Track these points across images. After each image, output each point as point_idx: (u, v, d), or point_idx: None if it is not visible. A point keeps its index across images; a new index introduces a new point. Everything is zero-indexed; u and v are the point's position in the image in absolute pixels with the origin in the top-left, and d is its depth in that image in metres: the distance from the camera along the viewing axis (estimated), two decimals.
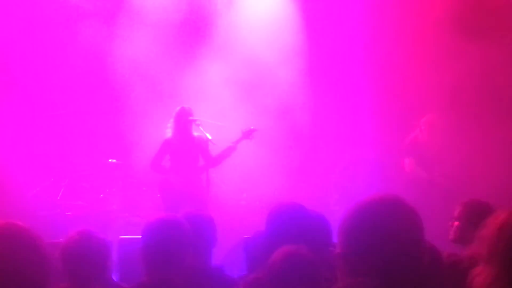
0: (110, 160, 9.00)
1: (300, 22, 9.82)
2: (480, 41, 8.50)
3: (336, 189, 9.24)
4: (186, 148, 8.14)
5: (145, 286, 3.62)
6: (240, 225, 8.21)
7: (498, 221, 2.46)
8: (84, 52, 9.31)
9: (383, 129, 9.27)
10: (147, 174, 8.64)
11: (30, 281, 2.14)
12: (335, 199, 9.05)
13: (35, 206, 8.26)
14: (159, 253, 3.59)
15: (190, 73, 9.43)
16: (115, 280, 4.01)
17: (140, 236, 3.76)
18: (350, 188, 8.86)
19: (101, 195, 8.89)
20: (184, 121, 8.09)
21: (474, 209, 4.79)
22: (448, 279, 3.27)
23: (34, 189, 8.71)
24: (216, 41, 9.59)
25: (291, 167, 9.44)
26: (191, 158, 8.16)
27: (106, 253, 3.79)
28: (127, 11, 9.47)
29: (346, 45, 9.53)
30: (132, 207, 8.90)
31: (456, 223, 4.84)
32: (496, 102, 8.63)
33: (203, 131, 8.07)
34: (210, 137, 8.03)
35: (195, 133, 8.15)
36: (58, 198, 8.72)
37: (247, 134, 8.14)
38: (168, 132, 8.21)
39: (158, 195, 8.34)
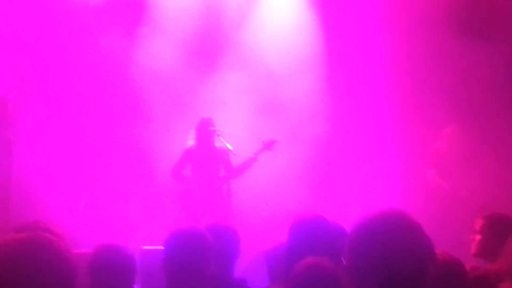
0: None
1: (318, 31, 9.81)
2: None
3: (358, 199, 9.21)
4: (207, 159, 8.15)
5: None
6: (261, 236, 8.20)
7: None
8: (106, 63, 9.37)
9: (405, 139, 9.23)
10: (168, 185, 8.66)
11: None
12: (356, 211, 9.02)
13: (58, 216, 8.30)
14: (181, 264, 3.60)
15: (210, 83, 9.46)
16: None
17: (161, 247, 3.77)
18: (371, 199, 8.83)
19: (123, 205, 8.92)
20: (205, 131, 8.12)
21: (496, 222, 4.75)
22: None
23: (57, 199, 8.76)
24: (236, 51, 9.61)
25: (312, 178, 9.42)
26: (212, 168, 8.18)
27: (132, 266, 3.81)
28: (147, 21, 9.53)
29: (364, 53, 9.51)
30: (154, 217, 8.92)
31: (478, 236, 4.79)
32: None
33: (224, 142, 8.09)
34: (231, 148, 8.04)
35: (217, 144, 8.17)
36: (80, 208, 8.76)
37: (269, 145, 8.16)
38: (190, 142, 8.24)
39: (180, 205, 8.36)
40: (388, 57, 9.33)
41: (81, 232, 7.97)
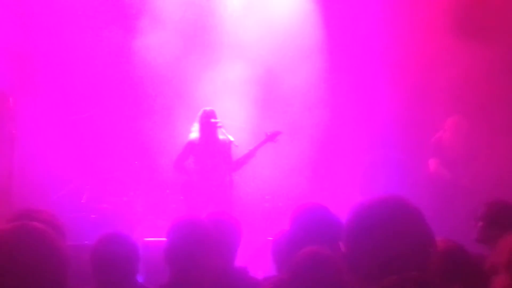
0: (134, 163, 9.06)
1: (318, 21, 9.78)
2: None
3: (359, 189, 9.21)
4: (209, 150, 8.17)
5: (170, 287, 3.64)
6: (264, 227, 8.21)
7: None
8: (107, 56, 9.36)
9: (406, 128, 9.22)
10: (170, 177, 8.67)
11: (47, 283, 2.13)
12: (358, 200, 9.02)
13: (60, 208, 8.31)
14: (183, 254, 3.61)
15: (211, 75, 9.45)
16: (140, 281, 4.04)
17: (164, 239, 3.77)
18: (373, 189, 8.83)
19: (125, 198, 8.93)
20: (207, 123, 8.13)
21: (498, 209, 4.84)
22: (474, 281, 3.25)
23: (59, 191, 8.78)
24: (236, 42, 9.60)
25: (314, 168, 9.42)
26: (214, 160, 8.19)
27: (135, 256, 3.81)
28: (147, 14, 9.52)
29: (365, 43, 9.48)
30: (156, 209, 8.94)
31: (480, 223, 4.85)
32: None
33: (226, 133, 8.10)
34: (232, 139, 8.05)
35: (220, 136, 8.18)
36: (82, 200, 8.78)
37: (272, 137, 8.19)
38: (193, 134, 8.26)
39: (182, 197, 8.38)
40: (389, 47, 9.31)
41: (84, 225, 7.98)
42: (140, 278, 4.44)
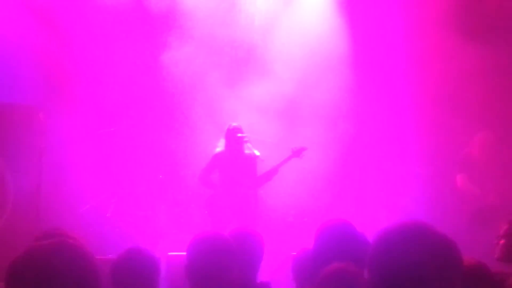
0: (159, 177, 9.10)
1: (344, 34, 9.76)
2: None
3: (386, 206, 9.14)
4: (235, 165, 8.18)
5: None
6: (288, 242, 8.19)
7: None
8: (134, 70, 9.44)
9: (433, 143, 9.15)
10: (195, 191, 8.69)
11: None
12: (385, 217, 8.96)
13: (86, 222, 8.38)
14: (204, 270, 3.60)
15: (238, 89, 9.47)
16: None
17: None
18: (400, 205, 8.76)
19: (150, 212, 8.96)
20: (233, 138, 8.16)
21: None
22: None
23: (85, 205, 8.84)
24: (263, 56, 9.62)
25: (339, 183, 9.38)
26: (239, 174, 8.20)
27: (155, 271, 3.81)
28: (175, 29, 9.58)
29: (392, 57, 9.44)
30: (181, 223, 8.96)
31: (502, 241, 4.76)
32: None
33: (252, 148, 8.11)
34: (258, 154, 8.06)
35: (246, 151, 8.20)
36: (108, 214, 8.83)
37: (297, 153, 8.24)
38: (218, 148, 8.29)
39: (207, 211, 8.39)
40: (415, 61, 9.26)
41: (109, 238, 8.02)
42: None
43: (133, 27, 9.51)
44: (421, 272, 1.98)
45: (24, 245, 2.25)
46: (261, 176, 8.22)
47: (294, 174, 8.80)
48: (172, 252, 6.85)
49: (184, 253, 3.69)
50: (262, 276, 4.28)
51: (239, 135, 8.18)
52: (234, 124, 8.34)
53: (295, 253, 4.60)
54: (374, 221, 8.33)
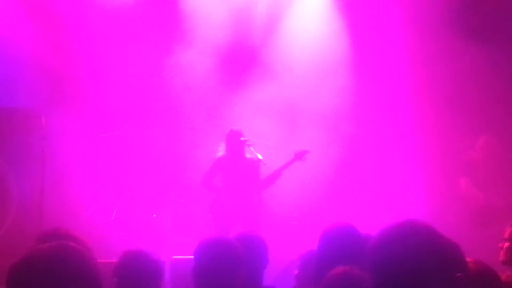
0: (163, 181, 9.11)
1: (345, 38, 9.77)
2: None
3: (389, 209, 9.14)
4: (237, 169, 8.19)
5: None
6: (291, 245, 8.18)
7: None
8: (138, 75, 9.45)
9: (436, 146, 9.15)
10: (199, 195, 8.70)
11: None
12: (387, 219, 8.94)
13: (90, 226, 8.37)
14: (210, 273, 3.60)
15: (240, 93, 9.48)
16: None
17: (192, 257, 3.77)
18: (402, 208, 8.75)
19: (154, 215, 8.97)
20: (235, 141, 8.16)
21: None
22: None
23: (89, 209, 8.84)
24: (265, 61, 9.63)
25: (342, 186, 9.38)
26: (242, 178, 8.20)
27: (159, 273, 3.82)
28: (179, 34, 9.59)
29: (394, 60, 9.44)
30: (185, 227, 8.96)
31: (506, 244, 4.74)
32: None
33: (254, 152, 8.11)
34: (261, 158, 8.07)
35: (248, 155, 8.21)
36: (111, 218, 8.83)
37: (300, 156, 8.22)
38: (220, 153, 8.29)
39: (210, 215, 8.39)
40: (418, 62, 9.26)
41: (112, 242, 8.02)
42: None
43: (135, 31, 9.51)
44: (421, 272, 1.98)
45: (27, 249, 2.25)
46: (264, 179, 8.22)
47: (297, 177, 8.80)
48: (176, 256, 6.85)
49: (189, 257, 3.69)
50: (267, 280, 4.28)
51: (242, 139, 8.18)
52: (235, 128, 8.35)
53: (298, 256, 4.60)
54: (377, 223, 8.32)
